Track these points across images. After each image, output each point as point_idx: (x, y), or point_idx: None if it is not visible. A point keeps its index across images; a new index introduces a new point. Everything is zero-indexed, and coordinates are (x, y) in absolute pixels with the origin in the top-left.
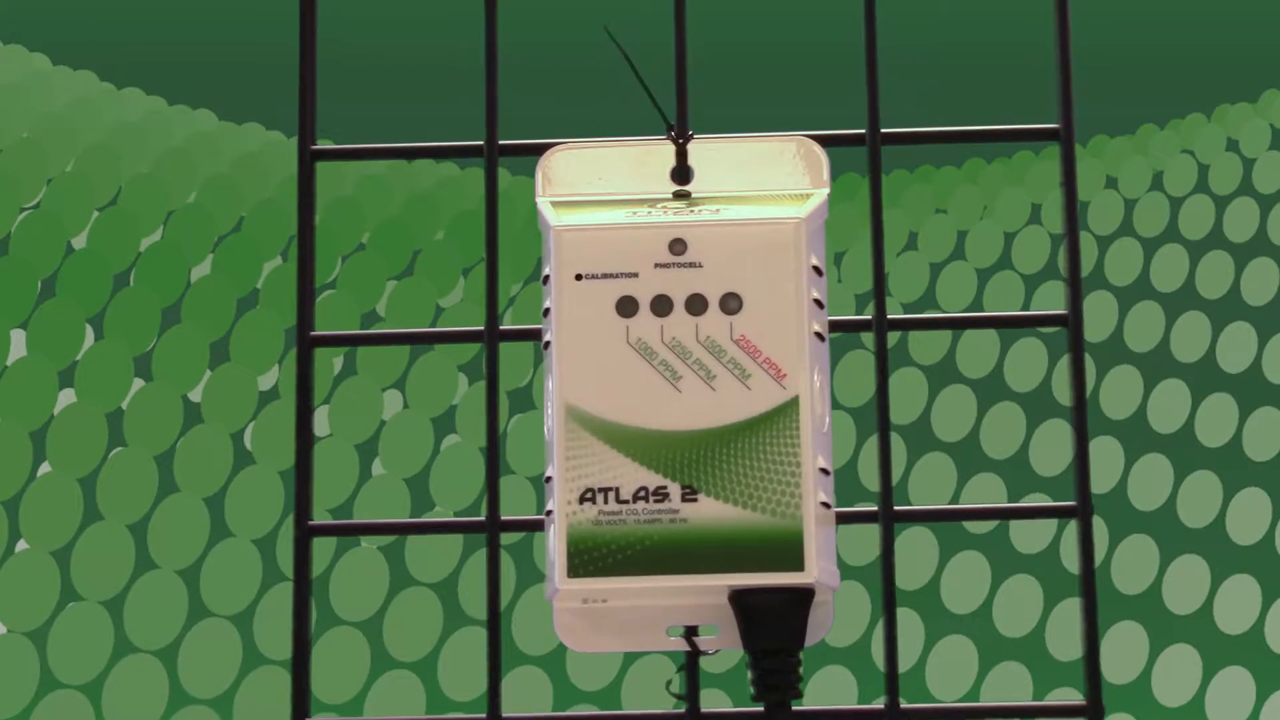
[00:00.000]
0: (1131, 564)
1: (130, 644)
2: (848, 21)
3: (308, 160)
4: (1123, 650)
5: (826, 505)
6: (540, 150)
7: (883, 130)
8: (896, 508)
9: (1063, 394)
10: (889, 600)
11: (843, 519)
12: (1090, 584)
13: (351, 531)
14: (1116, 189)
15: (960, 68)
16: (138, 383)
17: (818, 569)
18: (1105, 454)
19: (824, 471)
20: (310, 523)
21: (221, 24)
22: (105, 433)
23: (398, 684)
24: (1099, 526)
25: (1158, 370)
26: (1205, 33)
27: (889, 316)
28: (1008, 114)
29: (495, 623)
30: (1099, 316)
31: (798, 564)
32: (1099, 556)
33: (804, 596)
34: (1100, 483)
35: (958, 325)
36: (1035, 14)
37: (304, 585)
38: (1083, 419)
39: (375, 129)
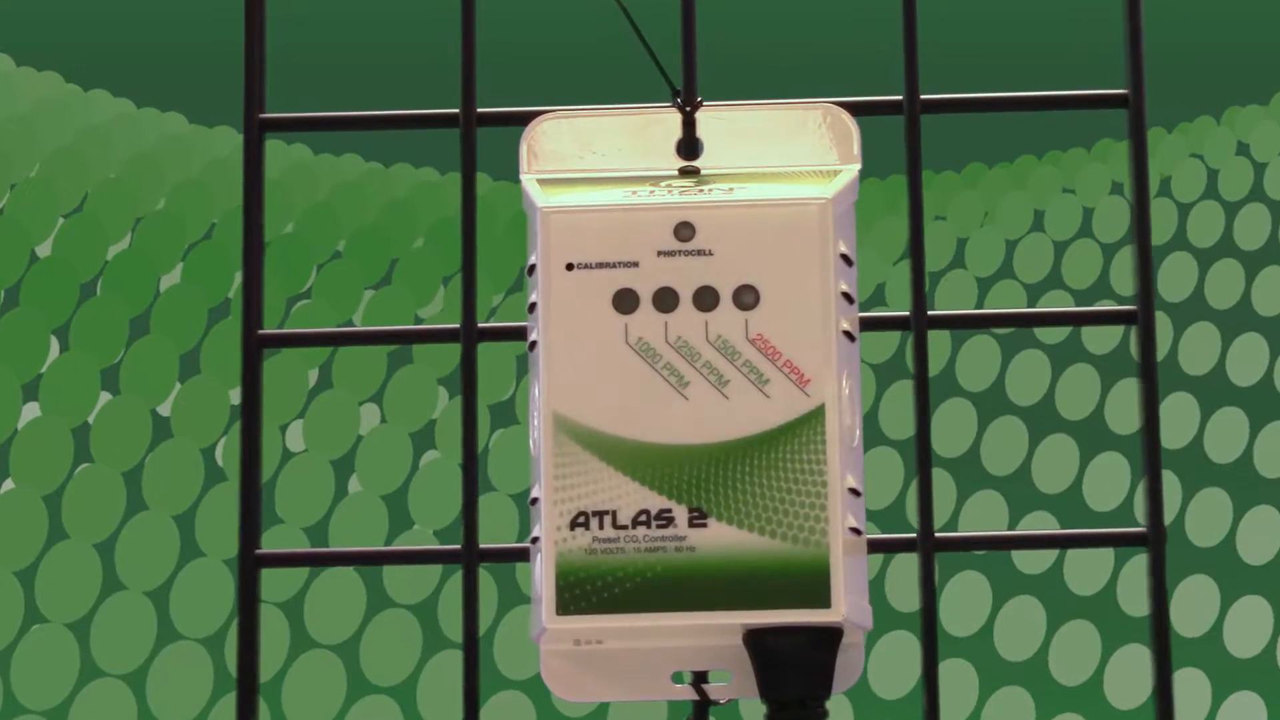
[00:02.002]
0: (1139, 586)
1: (97, 668)
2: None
3: (255, 130)
4: (1130, 675)
5: (857, 531)
6: (525, 120)
7: (923, 97)
8: (938, 534)
9: (1066, 408)
10: (929, 645)
11: (875, 547)
12: (1163, 619)
13: (306, 561)
14: (1122, 194)
15: (993, 68)
16: (105, 396)
17: (846, 605)
18: (1111, 470)
19: (854, 492)
20: (258, 551)
21: (192, 24)
22: (71, 448)
23: (375, 709)
24: (1104, 549)
25: (1165, 384)
26: (1214, 32)
27: (931, 313)
28: (1040, 117)
29: (473, 658)
30: (1104, 329)
31: (824, 600)
32: (1104, 578)
33: (831, 637)
34: (1106, 501)
35: (1007, 322)
36: (1068, 14)
37: (252, 621)
38: (1154, 430)
39: (355, 133)
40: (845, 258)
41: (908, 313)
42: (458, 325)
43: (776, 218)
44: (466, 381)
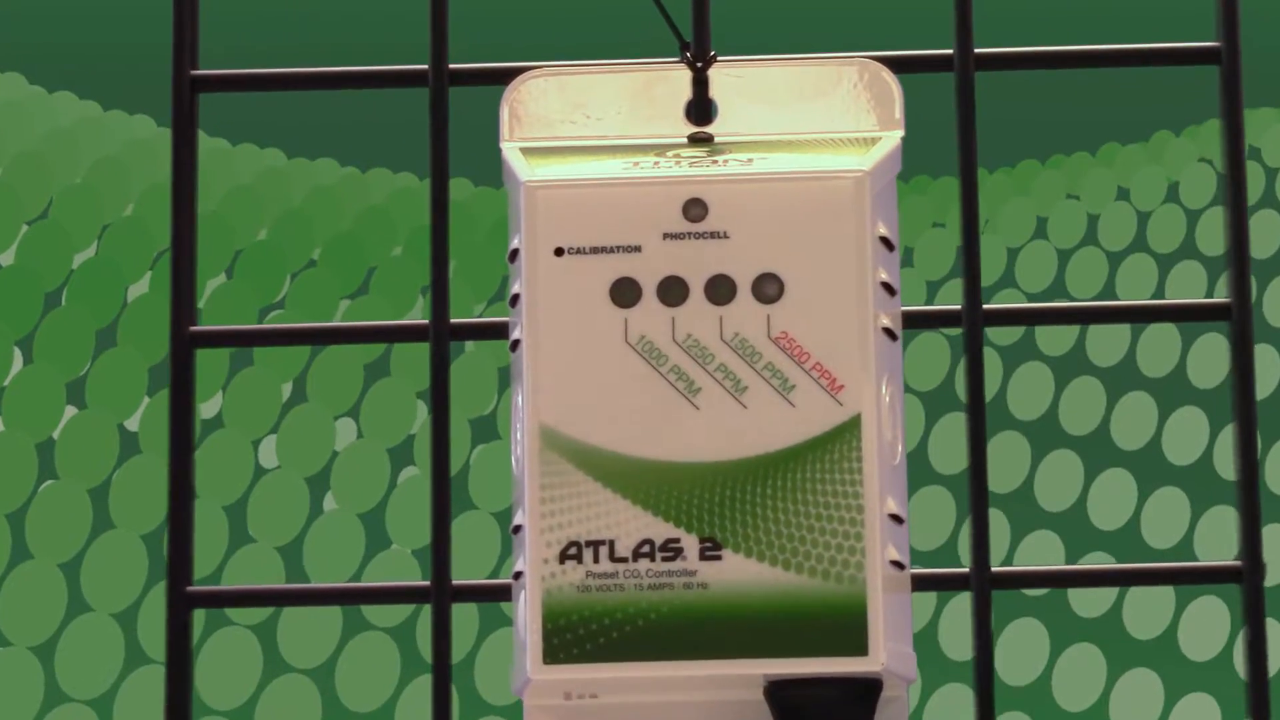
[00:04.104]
0: (1146, 606)
1: (62, 692)
2: None
3: (186, 91)
4: (1135, 698)
5: (899, 565)
6: (506, 77)
7: (977, 51)
8: (995, 570)
9: (1070, 422)
10: (984, 694)
11: (921, 583)
12: (1261, 659)
13: (248, 601)
14: (1129, 201)
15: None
16: (70, 410)
17: (887, 652)
18: (1118, 486)
19: (896, 519)
20: (189, 589)
21: (161, 24)
22: (35, 464)
23: None
24: (1109, 562)
25: (1173, 398)
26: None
27: (986, 307)
28: (1040, 120)
29: (445, 706)
30: (1109, 340)
31: (859, 646)
32: (1109, 600)
33: (868, 690)
34: (1111, 519)
35: (1075, 318)
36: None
37: (183, 670)
38: (1250, 443)
39: (331, 137)
40: (885, 241)
41: (959, 306)
42: (426, 322)
43: (804, 194)
44: (437, 387)
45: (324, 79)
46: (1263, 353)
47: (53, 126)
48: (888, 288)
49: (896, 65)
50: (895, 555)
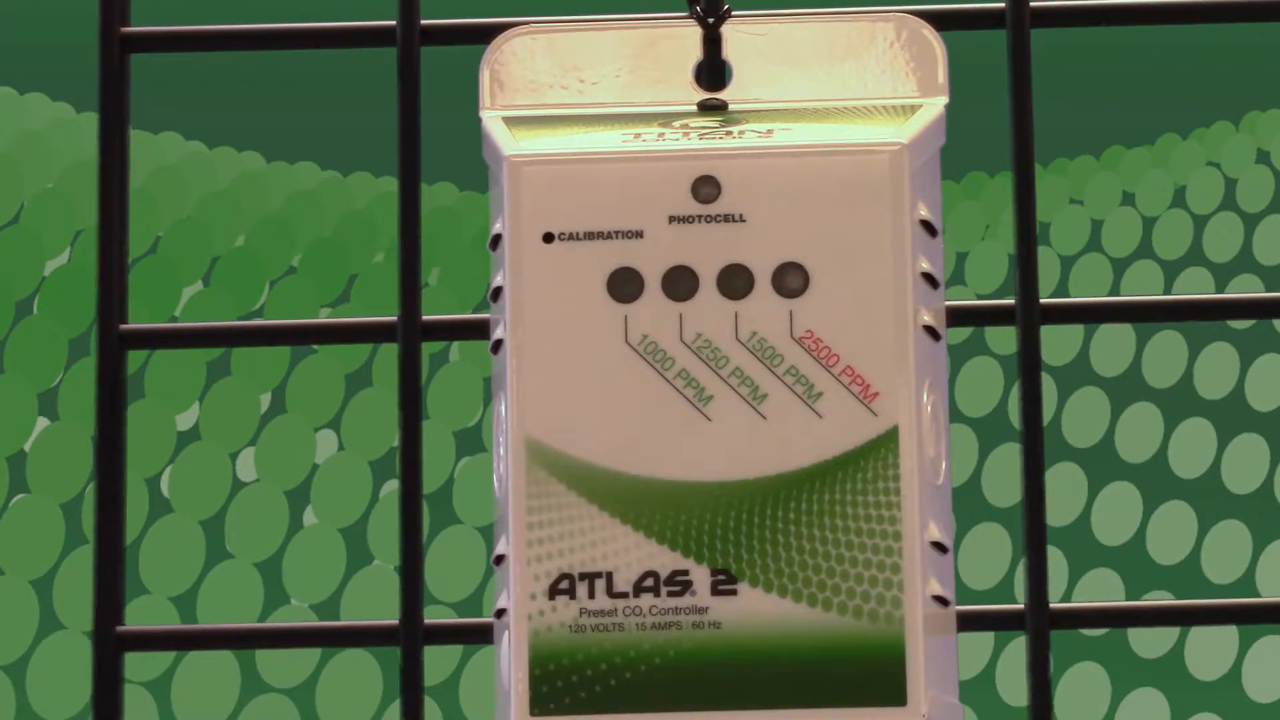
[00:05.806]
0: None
1: (34, 713)
2: None
3: (115, 49)
4: (1140, 718)
5: (943, 601)
6: (487, 36)
7: (1033, 4)
8: (1053, 605)
9: (1073, 435)
10: None
11: (968, 622)
12: None
13: (187, 643)
14: (1134, 205)
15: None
16: (42, 422)
17: (929, 702)
18: (1122, 500)
19: (939, 548)
20: (120, 629)
21: (136, 24)
22: (6, 478)
23: None
24: (1114, 580)
25: (1179, 408)
26: (1232, 32)
27: (1044, 301)
28: (1043, 122)
29: None
30: (1115, 350)
31: (897, 694)
32: None
33: None
34: (1117, 535)
35: (1142, 314)
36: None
37: (111, 716)
38: None
39: (311, 140)
40: (927, 225)
41: (1011, 300)
42: (395, 318)
43: (832, 171)
44: (406, 392)
45: (276, 37)
46: (1272, 362)
47: (24, 129)
48: (929, 279)
49: (940, 21)
50: (939, 589)
